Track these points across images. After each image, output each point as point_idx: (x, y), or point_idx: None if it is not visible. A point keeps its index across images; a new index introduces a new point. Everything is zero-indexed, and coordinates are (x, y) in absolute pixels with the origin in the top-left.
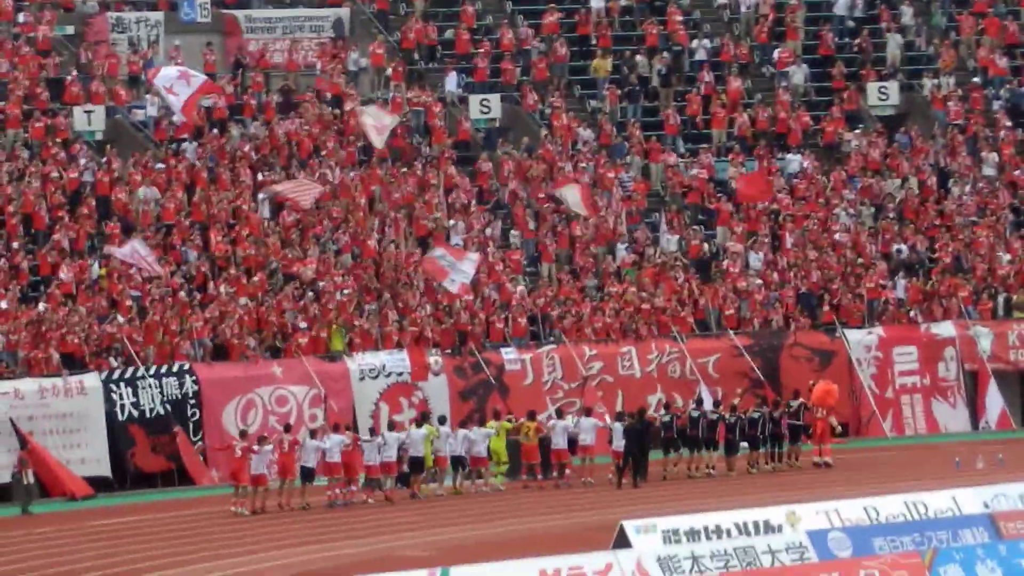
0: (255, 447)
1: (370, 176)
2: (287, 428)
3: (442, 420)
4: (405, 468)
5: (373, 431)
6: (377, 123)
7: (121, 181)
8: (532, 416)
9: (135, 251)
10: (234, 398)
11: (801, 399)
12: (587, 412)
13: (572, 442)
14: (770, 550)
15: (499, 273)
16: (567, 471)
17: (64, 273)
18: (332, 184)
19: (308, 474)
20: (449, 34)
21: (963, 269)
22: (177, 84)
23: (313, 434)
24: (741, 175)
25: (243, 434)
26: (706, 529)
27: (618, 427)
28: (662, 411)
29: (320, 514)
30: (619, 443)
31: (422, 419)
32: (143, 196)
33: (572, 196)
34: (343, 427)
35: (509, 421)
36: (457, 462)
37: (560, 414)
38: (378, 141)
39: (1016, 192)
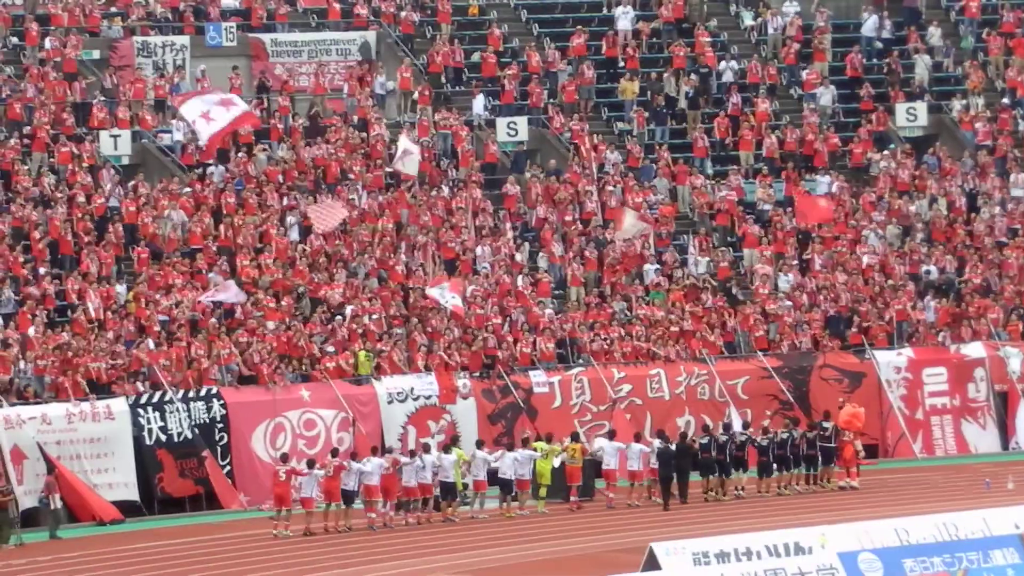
0: (305, 470)
1: (397, 200)
2: (334, 452)
3: (479, 444)
4: (436, 492)
5: (413, 453)
6: (407, 150)
7: (148, 206)
8: (576, 438)
9: (221, 289)
10: (262, 422)
11: (832, 421)
12: (611, 435)
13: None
14: (800, 572)
15: (527, 297)
16: (611, 494)
17: (91, 299)
18: (359, 208)
19: (349, 497)
20: (475, 57)
21: (992, 290)
22: (216, 110)
23: (354, 457)
24: (803, 196)
25: (284, 458)
26: (736, 551)
27: (656, 449)
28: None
29: (357, 537)
30: (654, 464)
31: (451, 443)
32: (171, 218)
33: (630, 221)
34: (381, 450)
35: (552, 442)
36: (504, 485)
37: (612, 436)
38: (411, 169)
39: None
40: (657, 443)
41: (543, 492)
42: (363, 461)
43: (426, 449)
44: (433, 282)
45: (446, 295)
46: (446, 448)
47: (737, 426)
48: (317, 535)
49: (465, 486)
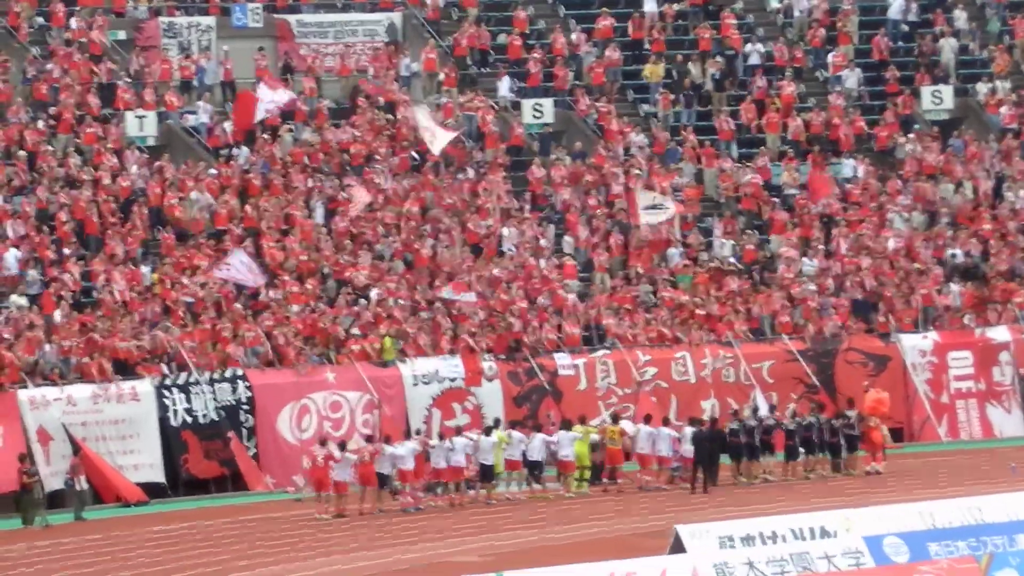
0: (337, 454)
1: (422, 182)
2: (368, 439)
3: (513, 425)
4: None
5: (443, 435)
6: (431, 127)
7: (173, 187)
8: (615, 419)
9: (238, 264)
10: (288, 404)
11: (856, 409)
12: (646, 420)
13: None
14: (826, 555)
15: (552, 280)
16: (648, 478)
17: (116, 280)
18: (384, 190)
19: (383, 480)
20: (501, 39)
21: (1018, 274)
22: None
23: (388, 440)
24: (814, 176)
25: (323, 442)
26: (761, 535)
27: (688, 433)
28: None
29: (388, 520)
30: (687, 448)
31: (493, 426)
32: (196, 199)
33: (644, 206)
34: (414, 433)
35: (589, 424)
36: (534, 466)
37: (648, 420)
38: (435, 147)
39: None
40: (689, 429)
41: (586, 475)
42: (396, 445)
43: (458, 432)
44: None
45: (460, 296)
46: (487, 430)
47: (763, 410)
48: (350, 517)
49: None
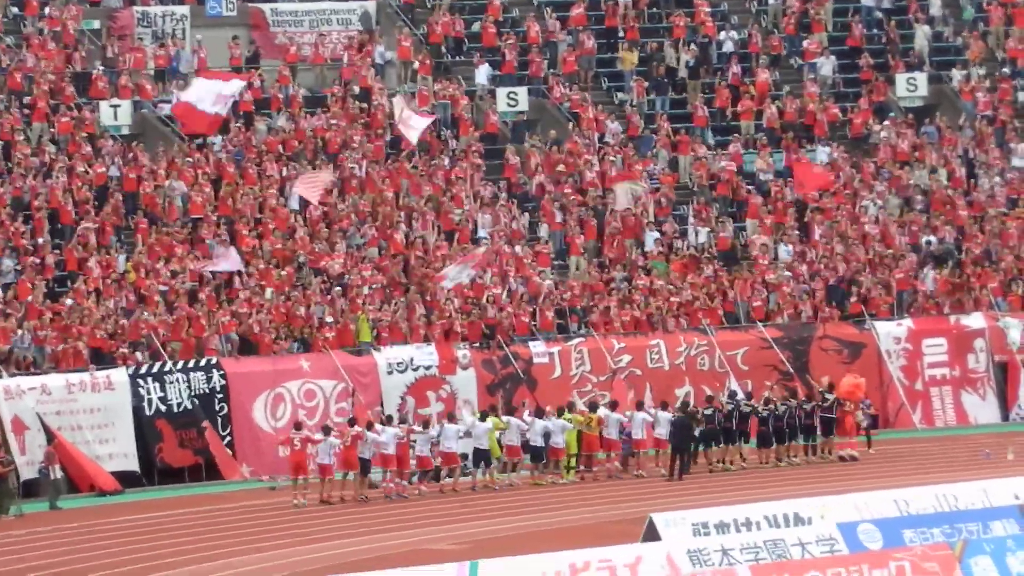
0: (317, 437)
1: (397, 170)
2: (351, 422)
3: (512, 411)
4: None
5: (427, 423)
6: (407, 116)
7: (148, 176)
8: (594, 408)
9: (222, 257)
10: (262, 392)
11: (835, 393)
12: (613, 406)
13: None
14: (800, 542)
15: (527, 266)
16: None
17: (91, 268)
18: (359, 178)
19: (365, 466)
20: (476, 27)
21: (992, 260)
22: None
23: (370, 426)
24: (800, 165)
25: (298, 425)
26: (736, 522)
27: (663, 419)
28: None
29: (368, 507)
30: (661, 432)
31: (487, 412)
32: (172, 187)
33: (622, 190)
34: (397, 420)
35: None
36: (535, 453)
37: (614, 406)
38: (412, 136)
39: None
40: (665, 414)
41: (572, 463)
42: (378, 431)
43: (451, 419)
44: (455, 263)
45: (464, 273)
46: (482, 415)
47: (740, 396)
48: (333, 504)
49: (465, 456)
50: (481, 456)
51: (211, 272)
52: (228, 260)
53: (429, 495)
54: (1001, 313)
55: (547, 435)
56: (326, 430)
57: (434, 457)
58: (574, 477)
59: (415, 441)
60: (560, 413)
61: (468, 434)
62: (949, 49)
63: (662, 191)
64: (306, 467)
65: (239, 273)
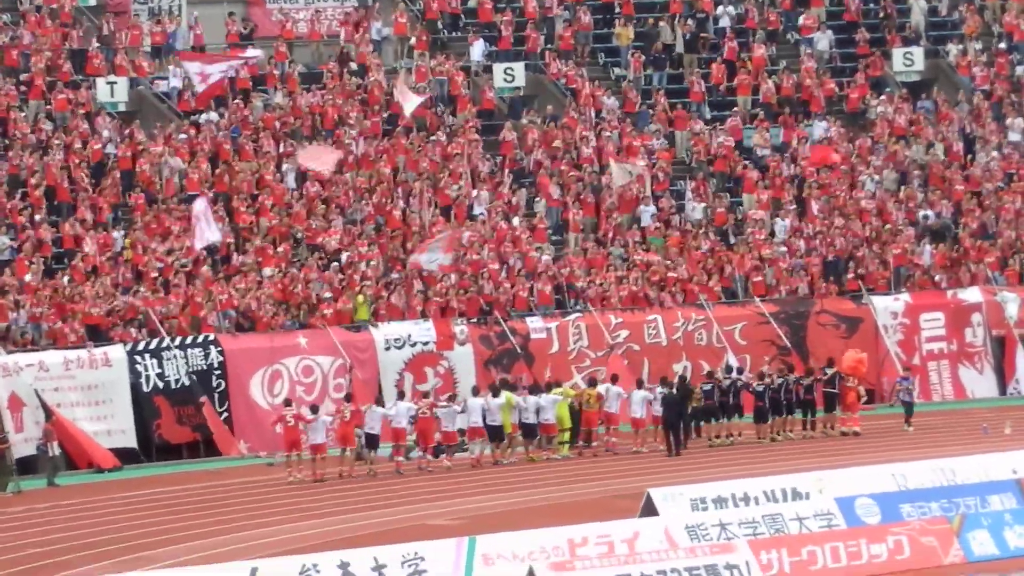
0: (308, 416)
1: (394, 146)
2: (348, 398)
3: (512, 388)
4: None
5: (452, 397)
6: (403, 91)
7: (145, 152)
8: (593, 383)
9: (202, 217)
10: (260, 369)
11: (836, 368)
12: (614, 380)
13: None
14: (798, 517)
15: (524, 242)
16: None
17: (88, 245)
18: (356, 154)
19: (373, 441)
20: (472, 2)
21: (989, 234)
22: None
23: (379, 401)
24: (813, 145)
25: (287, 403)
26: (734, 496)
27: (659, 395)
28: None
29: (363, 483)
30: (658, 409)
31: (500, 386)
32: (168, 164)
33: (617, 171)
34: (418, 395)
35: (571, 387)
36: (529, 430)
37: (615, 379)
38: (407, 109)
39: None
40: (660, 389)
41: (566, 437)
42: (389, 405)
43: (475, 392)
44: (420, 249)
45: (434, 258)
46: (494, 391)
47: (735, 371)
48: (327, 481)
49: (462, 432)
50: (495, 432)
51: (201, 248)
52: (210, 231)
53: (431, 471)
54: (998, 287)
55: (538, 411)
56: (314, 409)
57: (458, 431)
58: (568, 452)
59: (438, 416)
60: (550, 388)
61: (463, 410)
62: (946, 24)
63: (658, 166)
64: (300, 444)
65: (235, 248)
